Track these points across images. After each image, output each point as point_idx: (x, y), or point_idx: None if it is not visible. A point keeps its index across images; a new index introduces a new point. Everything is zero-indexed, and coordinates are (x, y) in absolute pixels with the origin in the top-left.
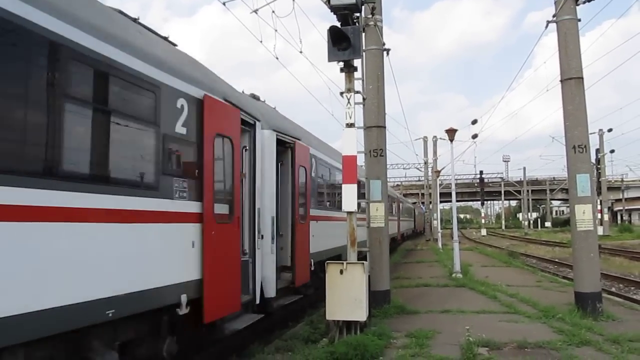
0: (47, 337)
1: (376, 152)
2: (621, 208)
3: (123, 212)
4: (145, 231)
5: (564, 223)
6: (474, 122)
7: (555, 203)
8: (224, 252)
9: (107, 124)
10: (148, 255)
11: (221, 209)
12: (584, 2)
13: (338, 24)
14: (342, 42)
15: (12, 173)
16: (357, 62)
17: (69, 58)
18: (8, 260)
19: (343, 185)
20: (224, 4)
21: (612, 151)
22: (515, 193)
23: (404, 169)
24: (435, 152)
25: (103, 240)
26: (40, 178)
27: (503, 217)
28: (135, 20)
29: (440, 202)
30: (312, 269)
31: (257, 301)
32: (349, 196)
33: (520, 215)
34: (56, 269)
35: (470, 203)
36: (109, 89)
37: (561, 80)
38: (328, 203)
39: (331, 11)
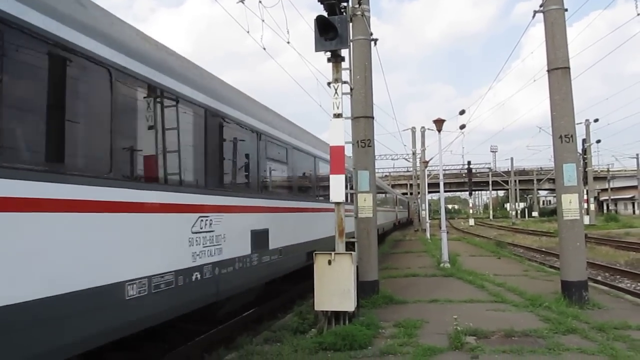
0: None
1: (364, 142)
2: (607, 198)
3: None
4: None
5: (551, 213)
6: (462, 112)
7: (543, 193)
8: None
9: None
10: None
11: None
12: None
13: (325, 14)
14: (329, 32)
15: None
16: (344, 53)
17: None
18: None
19: (331, 176)
20: None
21: (598, 141)
22: (502, 183)
23: (392, 159)
24: (423, 143)
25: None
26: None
27: (491, 207)
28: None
29: (429, 192)
30: None
31: None
32: (337, 187)
33: (507, 205)
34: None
35: (458, 193)
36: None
37: (548, 71)
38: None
39: (318, 1)
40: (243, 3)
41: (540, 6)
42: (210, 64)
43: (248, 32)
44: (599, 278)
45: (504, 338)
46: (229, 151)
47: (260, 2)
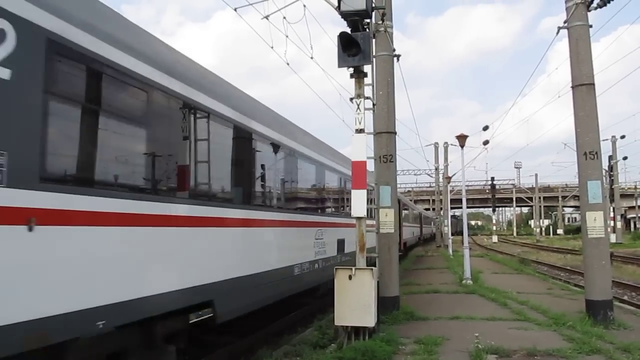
0: None
1: (386, 157)
2: (634, 215)
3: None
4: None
5: (576, 230)
6: (485, 128)
7: (568, 210)
8: None
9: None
10: None
11: None
12: (596, 8)
13: (348, 30)
14: (352, 48)
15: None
16: (367, 68)
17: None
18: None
19: (352, 191)
20: (235, 10)
21: (625, 158)
22: (526, 200)
23: (414, 174)
24: (446, 159)
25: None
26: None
27: (514, 223)
28: None
29: (451, 208)
30: None
31: None
32: (358, 201)
33: (532, 222)
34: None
35: (481, 209)
36: None
37: (572, 87)
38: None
39: (341, 17)
40: (267, 19)
41: (565, 22)
42: (235, 78)
43: (272, 47)
44: (625, 297)
45: (526, 357)
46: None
47: (284, 18)
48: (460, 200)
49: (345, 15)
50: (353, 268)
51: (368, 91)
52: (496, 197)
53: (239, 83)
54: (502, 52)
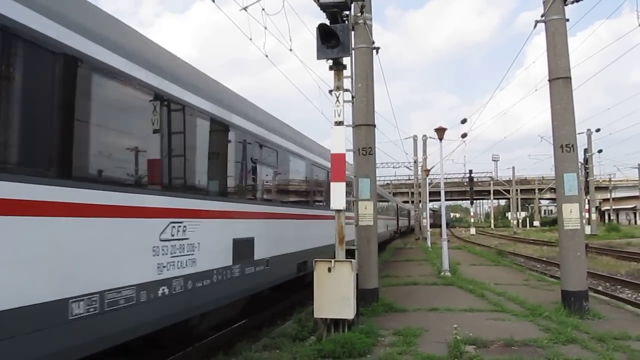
0: None
1: (365, 150)
2: (609, 208)
3: None
4: None
5: (552, 222)
6: (464, 121)
7: (544, 202)
8: None
9: None
10: None
11: None
12: (573, 2)
13: (327, 22)
14: (331, 40)
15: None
16: (346, 61)
17: None
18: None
19: (332, 184)
20: (213, 0)
21: (600, 151)
22: (504, 192)
23: (393, 167)
24: (425, 151)
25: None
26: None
27: (492, 216)
28: None
29: (430, 201)
30: None
31: None
32: (338, 194)
33: (509, 215)
34: None
35: (459, 202)
36: None
37: (549, 80)
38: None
39: (320, 9)
40: (246, 10)
41: (542, 16)
42: (214, 70)
43: (251, 39)
44: (600, 288)
45: (503, 347)
46: None
47: (263, 9)
48: (438, 193)
49: (324, 7)
50: (332, 260)
51: (347, 84)
52: (474, 189)
53: (218, 75)
54: (481, 45)
